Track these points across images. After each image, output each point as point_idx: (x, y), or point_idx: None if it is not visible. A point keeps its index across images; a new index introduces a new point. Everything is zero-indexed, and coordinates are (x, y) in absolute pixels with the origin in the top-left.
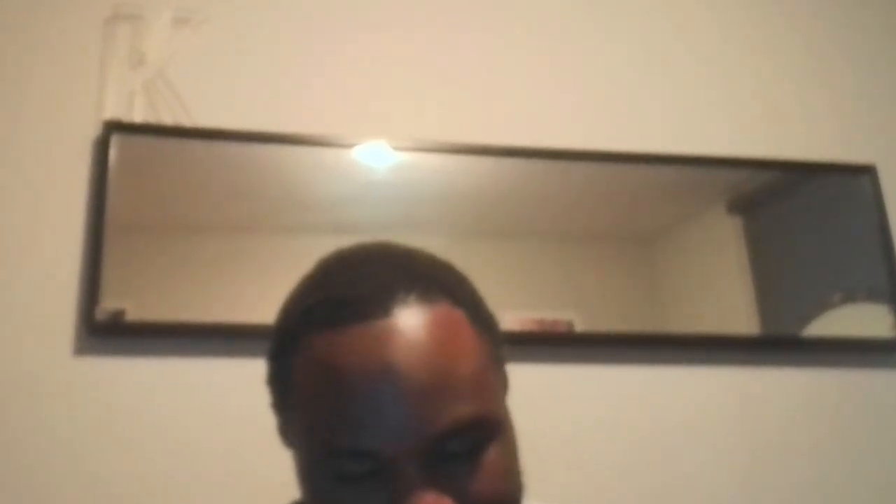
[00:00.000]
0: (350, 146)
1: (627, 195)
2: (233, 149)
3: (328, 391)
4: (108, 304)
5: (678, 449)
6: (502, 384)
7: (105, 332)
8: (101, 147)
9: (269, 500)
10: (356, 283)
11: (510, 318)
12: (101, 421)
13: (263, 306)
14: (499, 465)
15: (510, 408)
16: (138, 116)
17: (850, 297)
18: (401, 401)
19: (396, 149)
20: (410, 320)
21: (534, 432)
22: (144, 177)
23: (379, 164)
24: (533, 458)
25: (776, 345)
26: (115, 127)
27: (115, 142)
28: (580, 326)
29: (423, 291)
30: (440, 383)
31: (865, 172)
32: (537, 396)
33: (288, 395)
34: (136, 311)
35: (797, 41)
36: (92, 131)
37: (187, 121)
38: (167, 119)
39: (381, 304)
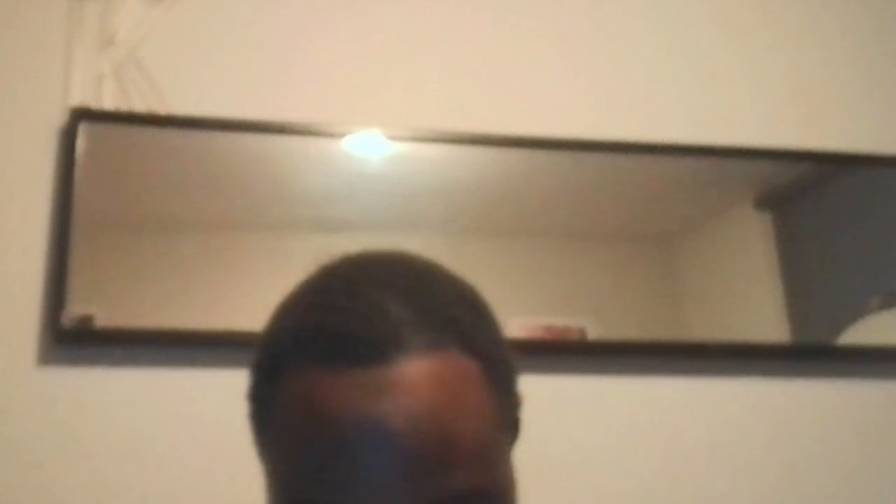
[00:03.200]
0: (341, 135)
1: (645, 189)
2: (212, 139)
3: (310, 440)
4: (75, 309)
5: (702, 469)
6: (510, 441)
7: (72, 339)
8: (68, 137)
9: None
10: (357, 314)
11: (516, 325)
12: (68, 437)
13: (246, 311)
14: None
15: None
16: (108, 103)
17: (889, 301)
18: (391, 463)
19: (391, 138)
20: (414, 373)
21: (542, 451)
22: (115, 169)
23: (372, 155)
24: (541, 479)
25: (809, 354)
26: (82, 114)
27: (82, 131)
28: (593, 334)
29: (434, 336)
30: (438, 450)
31: None
32: (546, 411)
33: (266, 429)
34: (105, 317)
35: (833, 22)
36: (57, 119)
37: (162, 108)
38: (140, 106)
39: (382, 349)
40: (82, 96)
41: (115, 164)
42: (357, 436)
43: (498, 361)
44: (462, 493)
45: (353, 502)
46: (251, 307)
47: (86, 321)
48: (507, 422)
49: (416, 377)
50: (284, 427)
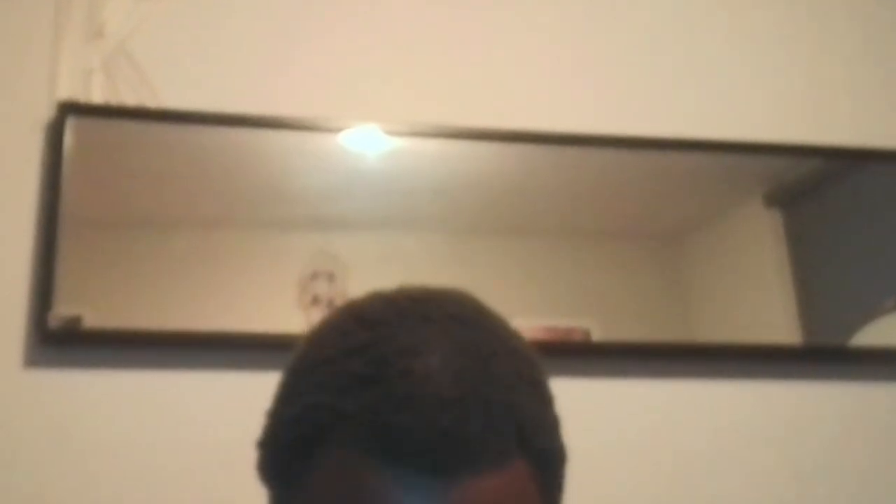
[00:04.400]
0: (337, 130)
1: (652, 186)
2: (204, 133)
3: None
4: (63, 309)
5: (710, 475)
6: None
7: (59, 341)
8: (55, 131)
9: None
10: (420, 406)
11: (518, 326)
12: (55, 441)
13: (239, 312)
14: None
15: None
16: (97, 97)
17: None
18: None
19: (390, 133)
20: (479, 495)
21: None
22: (104, 165)
23: (370, 150)
24: None
25: (821, 356)
26: (70, 108)
27: (70, 125)
28: (598, 335)
29: (499, 445)
30: None
31: None
32: None
33: (295, 498)
34: (94, 318)
35: (845, 14)
36: (44, 113)
37: (152, 102)
38: (129, 100)
39: (451, 464)
40: (70, 90)
41: (104, 159)
42: None
43: (554, 456)
44: None
45: None
46: (244, 308)
47: (73, 322)
48: None
49: (482, 499)
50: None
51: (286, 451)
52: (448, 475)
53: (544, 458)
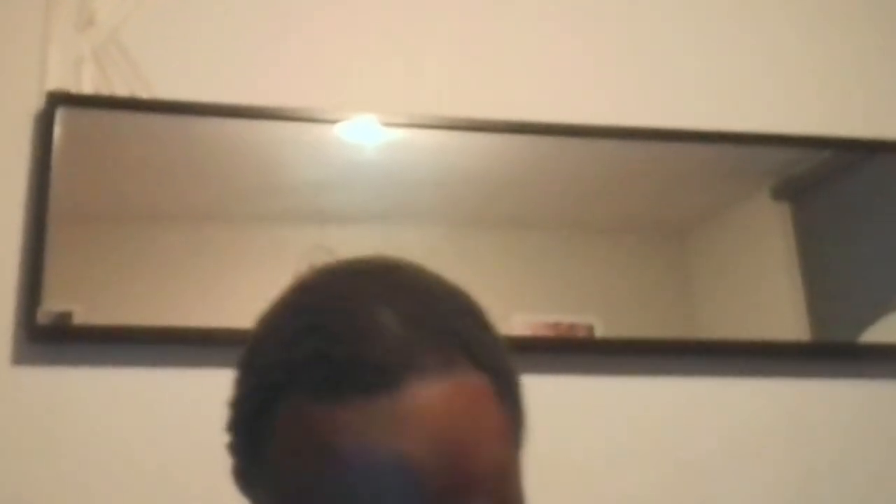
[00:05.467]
0: (334, 121)
1: (657, 179)
2: (198, 125)
3: (320, 482)
4: (52, 305)
5: (716, 474)
6: (520, 456)
7: (48, 337)
8: (45, 122)
9: None
10: (357, 336)
11: (520, 322)
12: (44, 440)
13: (233, 308)
14: None
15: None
16: (87, 87)
17: None
18: (412, 500)
19: (388, 125)
20: (427, 397)
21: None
22: (95, 157)
23: (368, 142)
24: (547, 485)
25: (830, 353)
26: (60, 99)
27: (60, 116)
28: (602, 332)
29: (443, 353)
30: (459, 480)
31: None
32: (552, 413)
33: (261, 467)
34: (84, 314)
35: (857, 3)
36: (33, 104)
37: (144, 92)
38: (121, 90)
39: (391, 373)
40: (60, 80)
41: (94, 151)
42: (373, 475)
43: (505, 372)
44: None
45: None
46: (239, 303)
47: (63, 318)
48: (518, 436)
49: (431, 402)
50: (286, 469)
51: (249, 420)
52: (396, 387)
53: (495, 371)
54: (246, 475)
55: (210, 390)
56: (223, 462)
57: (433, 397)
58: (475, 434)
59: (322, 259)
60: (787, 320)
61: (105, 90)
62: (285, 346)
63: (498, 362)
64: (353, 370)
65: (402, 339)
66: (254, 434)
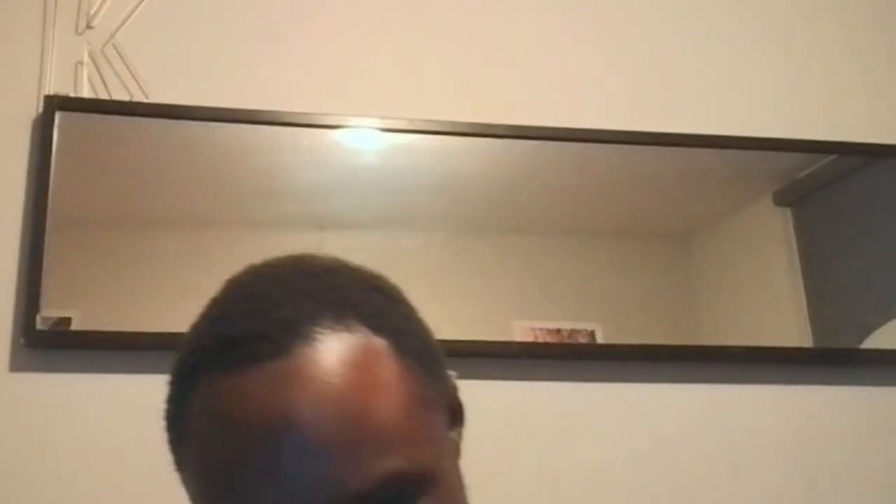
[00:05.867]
0: (333, 126)
1: (659, 184)
2: (196, 129)
3: (222, 447)
4: (51, 311)
5: (719, 481)
6: (442, 423)
7: (47, 344)
8: (43, 127)
9: None
10: (253, 315)
11: (521, 328)
12: (42, 447)
13: None
14: None
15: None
16: (85, 91)
17: None
18: (305, 459)
19: (388, 129)
20: (315, 359)
21: (549, 463)
22: (93, 162)
23: (367, 147)
24: (548, 493)
25: (834, 359)
26: (58, 103)
27: (58, 121)
28: (604, 337)
29: (334, 320)
30: (353, 434)
31: None
32: (552, 420)
33: (184, 453)
34: (83, 320)
35: (861, 8)
36: (31, 108)
37: (143, 96)
38: (119, 94)
39: (278, 342)
40: (58, 84)
41: (93, 156)
42: (264, 436)
43: (412, 338)
44: (387, 479)
45: None
46: None
47: (62, 324)
48: (437, 402)
49: (319, 363)
50: (197, 447)
51: (171, 410)
52: (283, 353)
53: (398, 335)
54: (177, 466)
55: None
56: None
57: (321, 358)
58: (369, 390)
59: None
60: (790, 326)
61: (103, 94)
62: (196, 336)
63: (402, 328)
64: (246, 344)
65: (294, 312)
66: (175, 423)
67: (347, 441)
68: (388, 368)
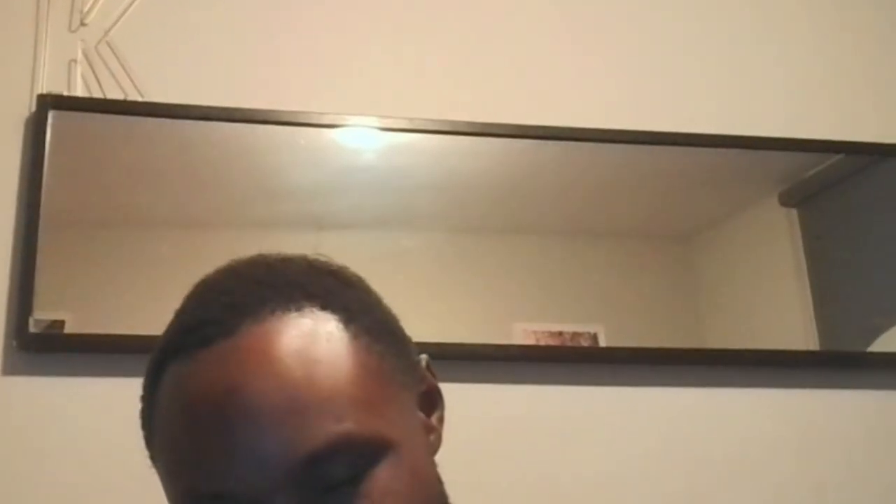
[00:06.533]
0: (332, 125)
1: (663, 184)
2: (191, 128)
3: (179, 429)
4: (44, 313)
5: (724, 486)
6: (405, 399)
7: (40, 347)
8: (36, 126)
9: None
10: (206, 305)
11: (522, 331)
12: (35, 452)
13: None
14: (391, 491)
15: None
16: (79, 89)
17: None
18: (253, 427)
19: (386, 128)
20: (261, 334)
21: (551, 468)
22: (87, 161)
23: (366, 146)
24: (551, 498)
25: (840, 362)
26: (51, 102)
27: (51, 119)
28: (607, 340)
29: (282, 302)
30: (300, 402)
31: None
32: (555, 425)
33: (152, 443)
34: (76, 323)
35: (868, 6)
36: (24, 107)
37: (137, 95)
38: (113, 93)
39: (226, 323)
40: (51, 82)
41: (86, 155)
42: (214, 411)
43: (366, 316)
44: (338, 442)
45: (230, 483)
46: None
47: (55, 326)
48: (397, 377)
49: (265, 336)
50: (159, 431)
51: (143, 404)
52: (230, 333)
53: (349, 312)
54: (152, 461)
55: None
56: None
57: (266, 334)
58: (315, 360)
59: None
60: (796, 329)
61: (97, 93)
62: (163, 335)
63: (354, 307)
64: (199, 330)
65: (242, 296)
66: (146, 420)
67: (295, 408)
68: (338, 341)
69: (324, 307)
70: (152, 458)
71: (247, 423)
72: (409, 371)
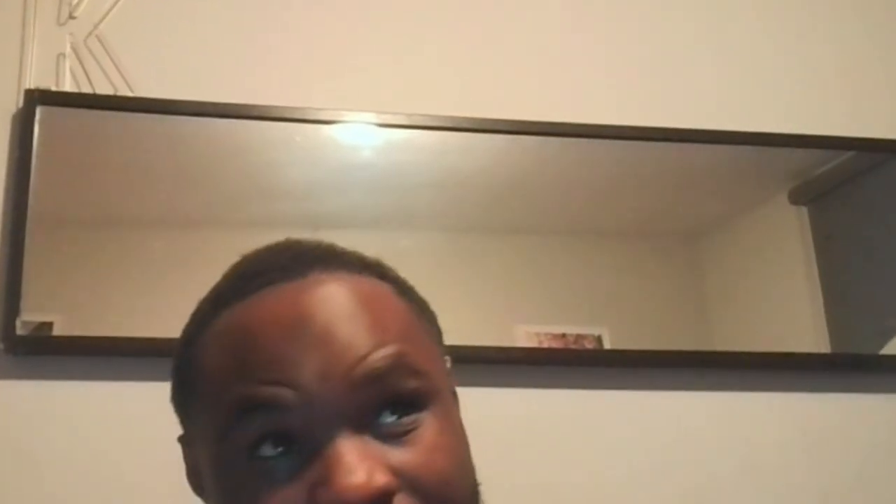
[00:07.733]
0: (329, 122)
1: (669, 181)
2: (184, 125)
3: (237, 351)
4: (31, 315)
5: (732, 492)
6: (442, 360)
7: (27, 349)
8: (23, 122)
9: None
10: (271, 257)
11: (524, 333)
12: (23, 456)
13: None
14: (441, 441)
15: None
16: (68, 84)
17: None
18: (317, 342)
19: (385, 125)
20: (330, 282)
21: (554, 474)
22: (76, 159)
23: (363, 143)
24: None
25: (851, 365)
26: (39, 97)
27: (39, 115)
28: (611, 343)
29: (346, 263)
30: (360, 328)
31: None
32: (559, 429)
33: (192, 388)
34: (65, 325)
35: (877, 2)
36: (11, 103)
37: (128, 90)
38: (103, 88)
39: (294, 269)
40: (39, 77)
41: (75, 152)
42: (281, 329)
43: (413, 294)
44: (393, 361)
45: (290, 375)
46: None
47: (43, 329)
48: (437, 342)
49: (333, 283)
50: (209, 364)
51: (178, 361)
52: (299, 277)
53: (402, 288)
54: (185, 424)
55: None
56: None
57: (336, 280)
58: (375, 303)
59: None
60: (806, 331)
61: (86, 88)
62: (213, 292)
63: (404, 285)
64: (265, 274)
65: (311, 250)
66: (184, 374)
67: (360, 332)
68: (393, 299)
69: (381, 277)
70: (187, 411)
71: (312, 339)
72: (442, 348)
